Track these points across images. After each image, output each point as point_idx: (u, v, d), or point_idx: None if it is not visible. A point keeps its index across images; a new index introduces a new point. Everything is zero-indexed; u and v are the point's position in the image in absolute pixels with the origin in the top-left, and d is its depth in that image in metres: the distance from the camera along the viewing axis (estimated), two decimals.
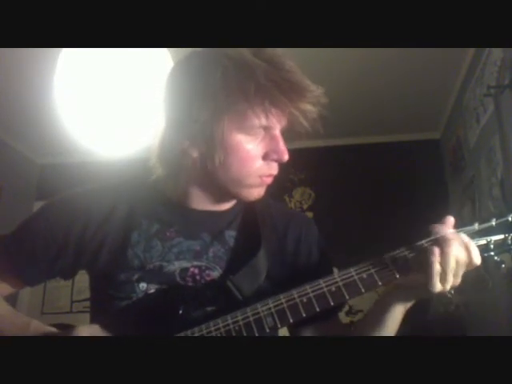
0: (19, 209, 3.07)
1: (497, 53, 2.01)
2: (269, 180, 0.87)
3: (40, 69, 2.18)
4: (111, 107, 1.41)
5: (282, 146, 0.83)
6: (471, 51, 2.38)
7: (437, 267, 0.75)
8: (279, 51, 0.81)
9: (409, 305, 0.85)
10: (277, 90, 0.77)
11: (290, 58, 0.81)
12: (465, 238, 0.77)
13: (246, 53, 0.79)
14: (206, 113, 0.79)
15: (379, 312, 0.86)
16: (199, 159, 0.84)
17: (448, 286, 0.76)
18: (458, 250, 0.75)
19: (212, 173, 0.84)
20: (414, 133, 3.24)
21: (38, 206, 0.97)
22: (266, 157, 0.84)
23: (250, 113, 0.79)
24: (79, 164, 3.34)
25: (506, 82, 1.87)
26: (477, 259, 0.77)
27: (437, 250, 0.75)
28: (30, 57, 2.26)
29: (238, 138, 0.81)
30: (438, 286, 0.75)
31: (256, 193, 0.88)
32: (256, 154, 0.83)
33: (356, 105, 2.91)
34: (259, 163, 0.84)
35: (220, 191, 0.89)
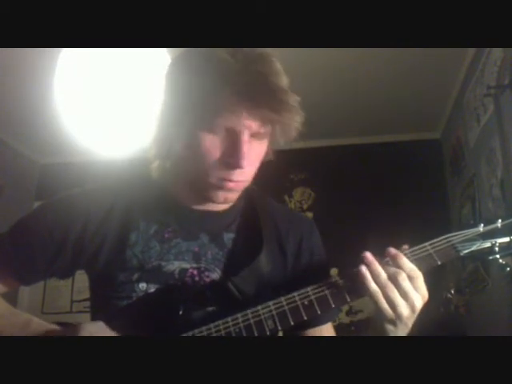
0: (19, 208, 3.06)
1: (497, 53, 2.01)
2: (231, 185, 0.83)
3: (40, 69, 2.18)
4: (111, 107, 1.41)
5: (240, 152, 0.78)
6: (471, 51, 2.38)
7: (373, 287, 0.75)
8: (265, 53, 0.79)
9: None
10: (246, 93, 0.74)
11: (277, 60, 0.79)
12: (391, 250, 0.78)
13: (222, 53, 0.77)
14: (180, 114, 0.79)
15: None
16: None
17: (400, 309, 0.74)
18: (383, 265, 0.76)
19: (183, 171, 0.86)
20: (414, 133, 3.24)
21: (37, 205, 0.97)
22: (222, 158, 0.80)
23: (215, 111, 0.76)
24: (79, 164, 3.34)
25: (506, 82, 1.87)
26: (407, 268, 0.75)
27: (364, 269, 0.76)
28: (30, 57, 2.26)
29: (201, 134, 0.80)
30: (386, 308, 0.74)
31: (221, 196, 0.85)
32: (212, 152, 0.80)
33: (356, 105, 2.91)
34: (215, 162, 0.80)
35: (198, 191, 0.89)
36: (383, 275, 0.75)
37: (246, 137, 0.78)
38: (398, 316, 0.75)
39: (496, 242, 0.78)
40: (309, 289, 0.79)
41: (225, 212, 0.93)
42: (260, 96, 0.75)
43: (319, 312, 0.78)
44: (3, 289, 0.92)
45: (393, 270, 0.76)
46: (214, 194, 0.85)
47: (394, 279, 0.75)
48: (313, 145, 3.16)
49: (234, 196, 0.87)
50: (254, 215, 0.94)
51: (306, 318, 0.78)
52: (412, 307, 0.75)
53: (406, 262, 0.76)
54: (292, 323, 0.78)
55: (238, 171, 0.80)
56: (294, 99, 0.77)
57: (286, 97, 0.76)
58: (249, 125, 0.78)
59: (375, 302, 0.75)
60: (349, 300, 0.78)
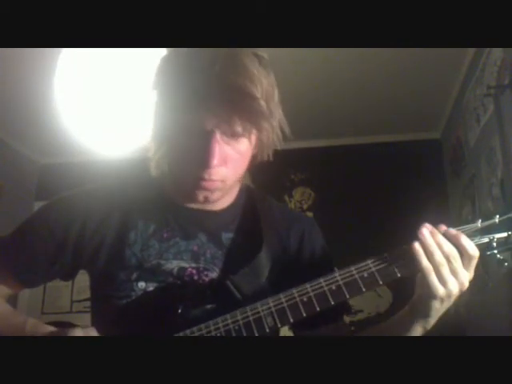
0: (19, 209, 3.07)
1: (497, 53, 2.01)
2: (205, 184, 0.83)
3: (40, 69, 2.18)
4: (111, 107, 1.41)
5: (209, 152, 0.78)
6: (471, 51, 2.38)
7: (424, 262, 0.75)
8: (245, 56, 0.78)
9: (428, 327, 0.81)
10: (216, 97, 0.75)
11: (257, 60, 0.79)
12: (451, 230, 0.77)
13: (200, 57, 0.78)
14: (166, 113, 0.82)
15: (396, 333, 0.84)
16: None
17: (451, 286, 0.74)
18: (440, 241, 0.75)
19: (171, 171, 0.89)
20: (414, 133, 3.24)
21: (38, 206, 0.97)
22: (196, 157, 0.80)
23: (189, 112, 0.77)
24: (79, 164, 3.34)
25: (506, 82, 1.87)
26: (469, 247, 0.75)
27: (417, 244, 0.76)
28: (30, 57, 2.26)
29: (178, 134, 0.81)
30: (436, 285, 0.74)
31: (200, 195, 0.86)
32: (187, 151, 0.81)
33: (356, 105, 2.91)
34: (191, 162, 0.81)
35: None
36: (438, 252, 0.75)
37: (216, 136, 0.78)
38: (448, 291, 0.75)
39: (494, 238, 0.78)
40: (307, 285, 0.79)
41: (223, 211, 0.93)
42: (229, 101, 0.75)
43: (318, 309, 0.78)
44: (7, 291, 0.92)
45: (447, 247, 0.75)
46: (193, 194, 0.86)
47: (446, 256, 0.75)
48: (313, 145, 3.15)
49: (214, 196, 0.87)
50: (254, 214, 0.94)
51: (304, 314, 0.78)
52: (461, 285, 0.75)
53: (467, 241, 0.75)
54: (291, 320, 0.78)
55: (210, 170, 0.80)
56: (263, 106, 0.77)
57: (254, 103, 0.76)
58: (220, 125, 0.78)
59: (426, 279, 0.75)
60: (348, 297, 0.78)
